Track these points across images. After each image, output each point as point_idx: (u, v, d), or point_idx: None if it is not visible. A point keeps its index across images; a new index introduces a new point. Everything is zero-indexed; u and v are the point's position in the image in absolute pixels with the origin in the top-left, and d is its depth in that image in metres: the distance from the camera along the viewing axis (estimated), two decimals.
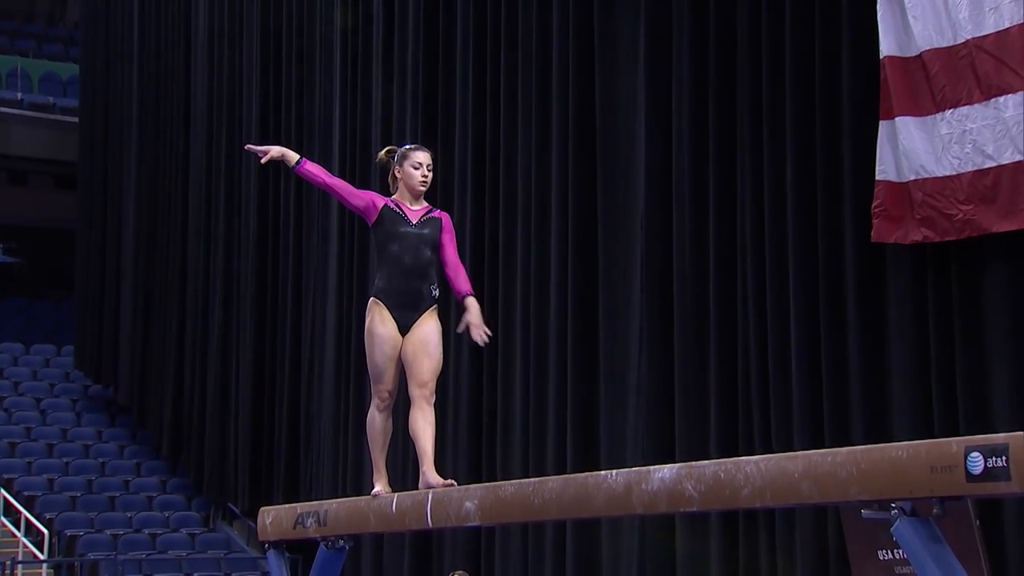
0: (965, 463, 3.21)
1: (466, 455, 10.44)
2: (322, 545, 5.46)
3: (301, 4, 13.86)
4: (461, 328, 5.31)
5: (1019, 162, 6.56)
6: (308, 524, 5.45)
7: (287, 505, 6.02)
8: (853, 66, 7.44)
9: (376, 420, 5.37)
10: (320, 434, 12.83)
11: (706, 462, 4.06)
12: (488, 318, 9.43)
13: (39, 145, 21.24)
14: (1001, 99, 6.60)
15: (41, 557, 14.47)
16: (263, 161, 5.49)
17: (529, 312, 9.94)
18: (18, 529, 14.87)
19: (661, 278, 8.69)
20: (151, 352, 17.14)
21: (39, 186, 22.59)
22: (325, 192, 5.67)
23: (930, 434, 6.66)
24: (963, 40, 6.77)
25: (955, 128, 6.81)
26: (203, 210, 15.91)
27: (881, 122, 7.10)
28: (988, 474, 3.16)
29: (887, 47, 7.06)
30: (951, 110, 6.84)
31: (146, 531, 15.14)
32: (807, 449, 5.11)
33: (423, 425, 5.25)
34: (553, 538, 9.38)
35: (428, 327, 5.32)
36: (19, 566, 14.25)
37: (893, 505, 3.41)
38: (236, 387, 14.77)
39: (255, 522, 6.37)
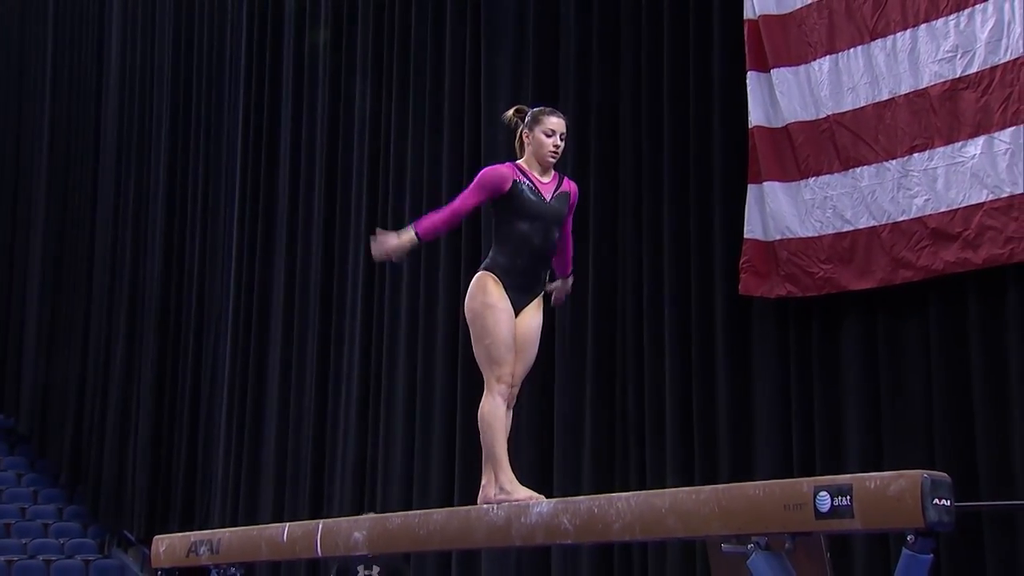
0: (814, 501, 3.39)
1: (351, 489, 10.73)
2: (214, 572, 5.52)
3: (212, 55, 14.16)
4: (551, 287, 5.02)
5: (873, 227, 6.94)
6: (201, 552, 5.48)
7: (181, 533, 6.01)
8: (724, 134, 7.89)
9: (498, 410, 4.76)
10: (216, 465, 13.05)
11: (581, 497, 4.23)
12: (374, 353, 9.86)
13: None
14: (858, 170, 7.01)
15: None
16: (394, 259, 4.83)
17: (416, 341, 10.27)
18: None
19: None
20: (53, 382, 17.18)
21: None
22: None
23: (790, 472, 7.02)
24: (824, 115, 7.17)
25: (817, 194, 7.20)
26: (109, 246, 16.07)
27: (750, 185, 7.45)
28: (834, 512, 3.34)
29: (756, 118, 7.44)
30: (814, 177, 7.22)
31: (40, 557, 15.10)
32: (679, 486, 5.44)
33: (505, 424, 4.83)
34: (436, 564, 9.76)
35: (537, 320, 4.89)
36: None
37: (750, 540, 3.63)
38: (136, 418, 14.90)
39: (150, 549, 6.35)
